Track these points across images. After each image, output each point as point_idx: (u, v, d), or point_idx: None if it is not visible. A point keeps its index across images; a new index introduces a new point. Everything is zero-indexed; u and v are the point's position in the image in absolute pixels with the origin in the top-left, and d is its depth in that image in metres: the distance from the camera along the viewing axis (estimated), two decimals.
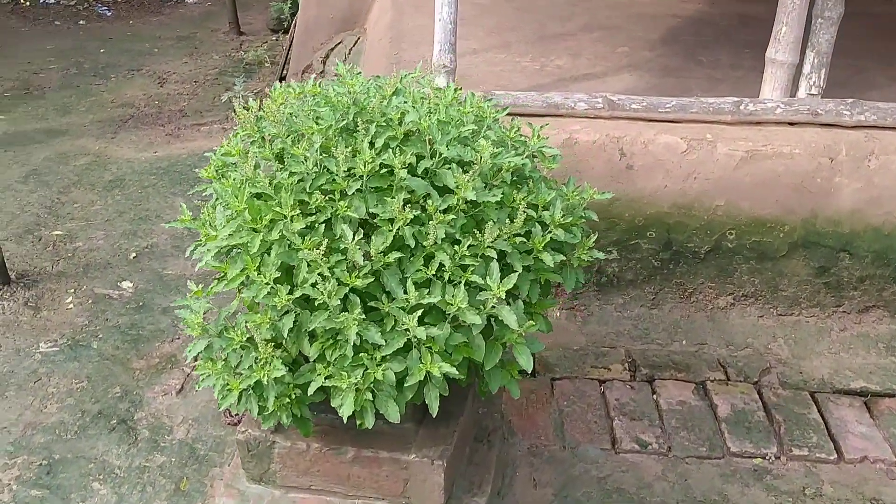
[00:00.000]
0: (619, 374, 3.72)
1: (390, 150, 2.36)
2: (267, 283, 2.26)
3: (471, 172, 2.31)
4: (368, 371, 2.23)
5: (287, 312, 2.26)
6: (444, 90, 2.76)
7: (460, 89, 2.77)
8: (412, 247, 2.30)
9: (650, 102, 3.90)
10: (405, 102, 2.69)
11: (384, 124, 2.50)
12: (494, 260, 2.32)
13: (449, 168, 2.41)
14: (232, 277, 2.31)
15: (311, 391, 2.29)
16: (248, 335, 2.36)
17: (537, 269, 2.46)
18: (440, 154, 2.41)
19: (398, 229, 2.28)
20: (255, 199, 2.37)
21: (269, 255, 2.30)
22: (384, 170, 2.35)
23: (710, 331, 3.97)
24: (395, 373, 2.25)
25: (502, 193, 2.45)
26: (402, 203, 2.30)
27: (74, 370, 3.67)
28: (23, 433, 3.32)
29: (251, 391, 2.35)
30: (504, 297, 2.31)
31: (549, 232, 2.45)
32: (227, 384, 2.34)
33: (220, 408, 2.34)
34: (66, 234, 4.78)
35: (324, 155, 2.38)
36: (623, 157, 3.84)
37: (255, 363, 2.31)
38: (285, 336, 2.27)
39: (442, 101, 2.66)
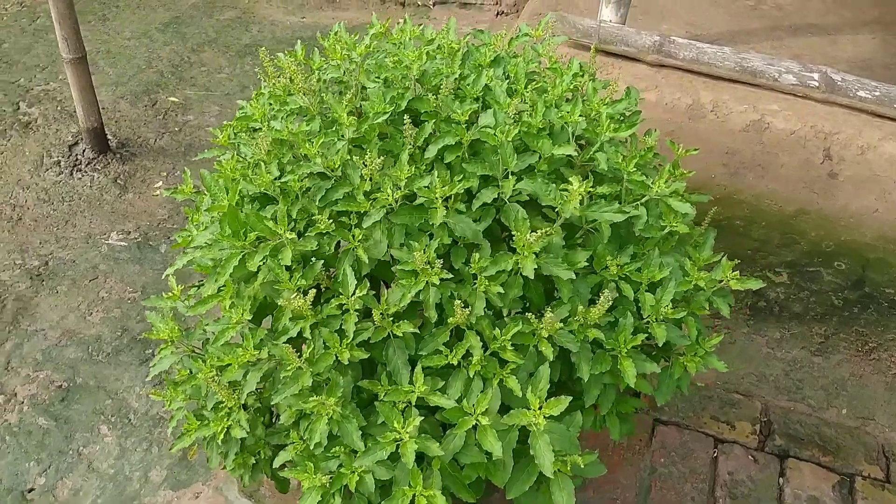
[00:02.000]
0: (745, 436, 2.91)
1: (435, 170, 1.64)
2: (237, 324, 1.68)
3: (541, 232, 1.55)
4: (342, 470, 1.64)
5: (252, 367, 1.68)
6: (566, 69, 1.94)
7: (583, 74, 1.93)
8: (435, 318, 1.62)
9: (885, 92, 2.82)
10: (506, 79, 1.91)
11: (449, 122, 1.76)
12: (547, 364, 1.60)
13: (523, 201, 1.67)
14: (204, 298, 1.74)
15: (276, 463, 1.74)
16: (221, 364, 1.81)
17: (615, 375, 1.71)
18: (512, 186, 1.66)
19: (421, 290, 1.60)
20: (253, 201, 1.75)
21: (249, 284, 1.71)
22: (423, 198, 1.64)
23: (883, 404, 3.02)
24: (376, 480, 1.64)
25: (590, 256, 1.68)
26: (435, 251, 1.61)
27: (134, 275, 3.35)
28: (58, 341, 3.05)
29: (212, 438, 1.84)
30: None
31: (646, 328, 1.68)
32: (187, 421, 1.84)
33: (172, 450, 1.84)
34: (182, 103, 4.39)
35: (351, 157, 1.70)
36: (828, 160, 2.85)
37: (216, 410, 1.78)
38: (244, 396, 1.70)
39: (553, 91, 1.86)
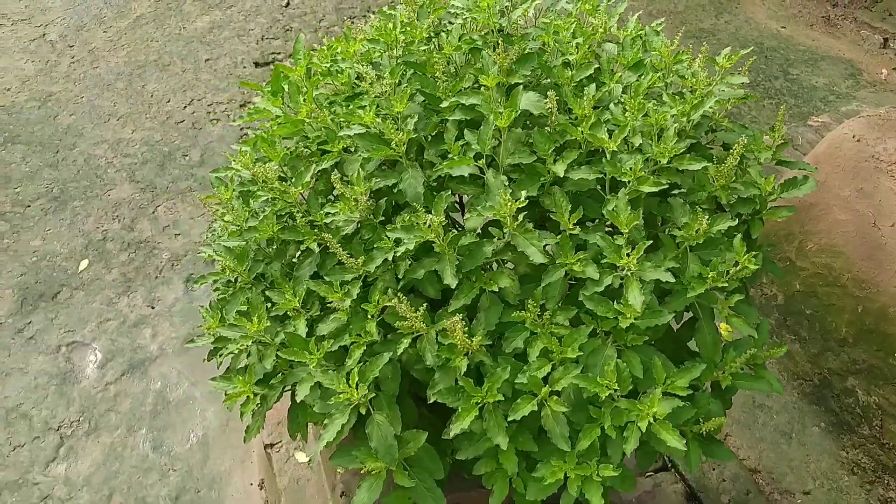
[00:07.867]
0: None
1: (449, 126, 1.53)
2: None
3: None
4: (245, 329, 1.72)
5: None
6: (682, 101, 1.58)
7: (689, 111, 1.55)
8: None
9: None
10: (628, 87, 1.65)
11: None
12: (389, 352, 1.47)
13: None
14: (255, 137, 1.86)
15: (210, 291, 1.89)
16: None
17: None
18: None
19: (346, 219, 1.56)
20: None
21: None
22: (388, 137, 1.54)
23: None
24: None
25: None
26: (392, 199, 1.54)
27: None
28: None
29: None
30: None
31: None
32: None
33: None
34: None
35: (381, 74, 1.66)
36: None
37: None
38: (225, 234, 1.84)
39: (634, 113, 1.55)
